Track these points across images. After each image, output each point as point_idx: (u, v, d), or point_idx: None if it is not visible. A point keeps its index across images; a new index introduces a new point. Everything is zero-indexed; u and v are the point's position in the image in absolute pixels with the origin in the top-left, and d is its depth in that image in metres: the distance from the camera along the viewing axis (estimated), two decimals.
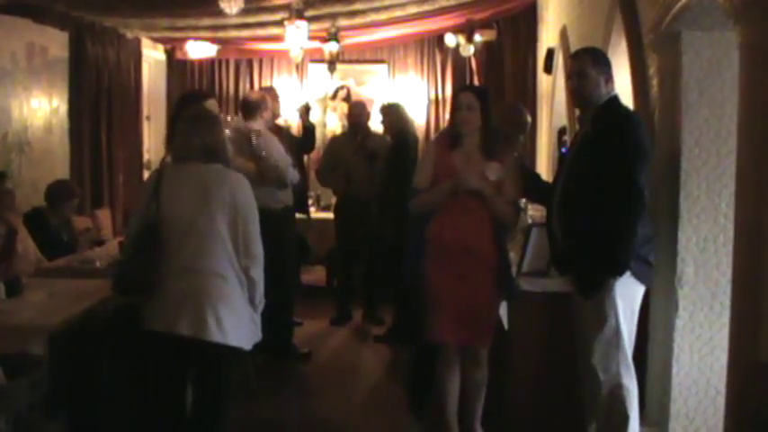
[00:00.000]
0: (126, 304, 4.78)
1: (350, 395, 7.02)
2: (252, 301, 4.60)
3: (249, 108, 7.36)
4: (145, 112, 11.76)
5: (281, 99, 8.48)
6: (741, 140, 4.32)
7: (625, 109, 4.95)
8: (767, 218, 3.99)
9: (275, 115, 8.14)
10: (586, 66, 4.94)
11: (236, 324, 4.51)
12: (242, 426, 5.50)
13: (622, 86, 5.31)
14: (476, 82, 11.78)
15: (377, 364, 7.92)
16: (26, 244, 6.59)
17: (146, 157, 11.68)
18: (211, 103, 5.41)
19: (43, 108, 9.13)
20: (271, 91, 8.40)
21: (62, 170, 9.31)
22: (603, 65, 4.93)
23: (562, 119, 8.91)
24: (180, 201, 4.46)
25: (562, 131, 9.09)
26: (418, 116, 11.95)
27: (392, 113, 8.50)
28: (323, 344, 8.45)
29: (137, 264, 4.42)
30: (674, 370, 5.18)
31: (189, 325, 4.40)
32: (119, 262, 4.83)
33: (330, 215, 9.71)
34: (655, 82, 5.48)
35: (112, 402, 4.80)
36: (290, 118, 11.36)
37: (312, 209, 10.30)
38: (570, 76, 5.07)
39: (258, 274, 4.58)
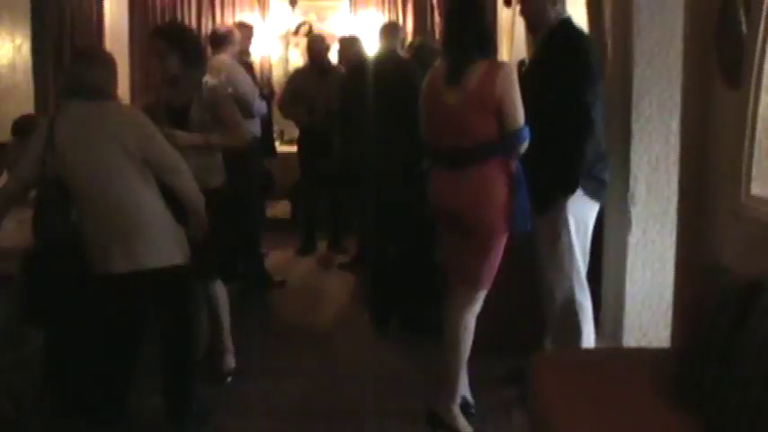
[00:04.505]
0: None
1: (318, 316, 7.35)
2: (191, 211, 4.76)
3: (216, 40, 7.49)
4: (107, 48, 11.70)
5: (252, 36, 8.61)
6: (687, 59, 4.50)
7: (575, 30, 4.98)
8: (710, 131, 4.18)
9: (244, 51, 8.24)
10: None
11: (163, 245, 4.67)
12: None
13: (577, 12, 5.41)
14: (436, 18, 11.80)
15: (342, 289, 8.20)
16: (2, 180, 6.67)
17: None
18: None
19: (6, 46, 9.12)
20: (245, 27, 8.52)
21: (27, 107, 9.27)
22: None
23: (522, 52, 9.00)
24: (76, 144, 4.52)
25: (521, 64, 9.18)
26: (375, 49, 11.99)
27: (350, 47, 8.59)
28: (290, 272, 8.65)
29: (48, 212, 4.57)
30: (628, 286, 5.29)
31: (122, 261, 4.57)
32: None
33: (293, 148, 9.85)
34: (608, 7, 5.58)
35: (85, 316, 4.93)
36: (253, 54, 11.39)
37: (276, 143, 10.40)
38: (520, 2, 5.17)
39: (183, 181, 4.70)
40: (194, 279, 5.06)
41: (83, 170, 4.52)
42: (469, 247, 4.71)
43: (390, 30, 7.36)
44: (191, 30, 6.21)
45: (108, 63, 4.78)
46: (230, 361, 5.69)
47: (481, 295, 4.77)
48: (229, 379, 5.61)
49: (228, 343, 5.69)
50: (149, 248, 4.62)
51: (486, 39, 4.73)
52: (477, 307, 4.78)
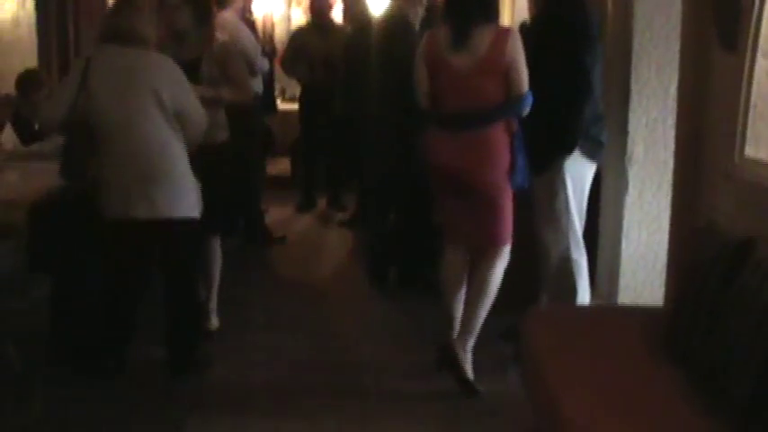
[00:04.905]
0: None
1: (317, 272, 7.45)
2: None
3: None
4: (110, 4, 11.67)
5: None
6: (685, 22, 4.55)
7: None
8: (706, 94, 4.24)
9: (246, 9, 8.24)
10: None
11: (183, 197, 4.78)
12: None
13: None
14: None
15: (341, 245, 8.32)
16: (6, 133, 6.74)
17: None
18: None
19: (10, 1, 9.15)
20: None
21: (30, 63, 9.22)
22: None
23: (524, 13, 9.00)
24: (110, 90, 4.61)
25: (523, 26, 9.18)
26: (382, 9, 11.94)
27: (354, 5, 8.60)
28: (290, 228, 8.72)
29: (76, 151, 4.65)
30: (624, 246, 5.38)
31: (142, 208, 4.67)
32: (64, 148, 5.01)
33: (295, 106, 9.88)
34: None
35: (91, 264, 5.02)
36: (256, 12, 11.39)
37: (278, 100, 10.43)
38: None
39: (197, 135, 4.87)
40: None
41: (115, 114, 4.60)
42: (479, 208, 4.82)
43: None
44: None
45: (148, 11, 4.85)
46: (215, 320, 5.72)
47: (506, 250, 4.91)
48: (214, 338, 5.61)
49: (215, 302, 5.72)
50: (171, 198, 4.73)
51: (489, 2, 4.79)
52: (504, 261, 4.91)
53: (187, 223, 4.82)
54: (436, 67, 4.78)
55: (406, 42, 6.19)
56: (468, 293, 4.96)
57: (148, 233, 4.78)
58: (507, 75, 4.60)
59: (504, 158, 4.69)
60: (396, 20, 6.76)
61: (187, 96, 4.76)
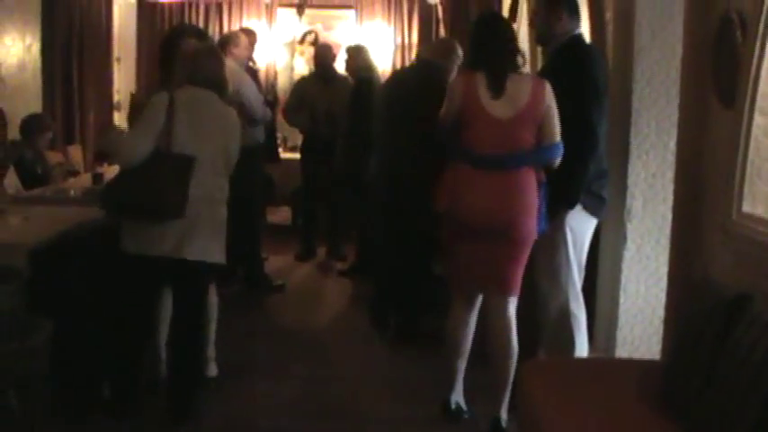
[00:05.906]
0: (103, 227, 5.07)
1: (316, 320, 7.49)
2: None
3: (220, 45, 7.53)
4: (115, 53, 11.76)
5: (256, 42, 8.70)
6: (684, 78, 4.60)
7: (585, 47, 5.12)
8: (705, 150, 4.28)
9: (248, 57, 8.31)
10: (540, 1, 5.18)
11: (222, 242, 4.94)
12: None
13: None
14: (441, 29, 11.88)
15: (340, 294, 8.36)
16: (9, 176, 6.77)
17: (116, 97, 11.73)
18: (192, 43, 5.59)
19: (17, 45, 9.21)
20: (249, 33, 8.59)
21: (35, 107, 9.34)
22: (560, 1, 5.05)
23: (525, 67, 9.07)
24: (194, 131, 4.73)
25: None
26: (385, 61, 12.10)
27: (357, 56, 8.68)
28: (288, 276, 8.74)
29: (140, 184, 4.68)
30: (622, 299, 5.37)
31: (197, 249, 4.76)
32: (113, 179, 5.07)
33: (296, 155, 9.97)
34: (611, 27, 5.68)
35: (90, 312, 5.04)
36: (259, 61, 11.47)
37: (279, 149, 10.49)
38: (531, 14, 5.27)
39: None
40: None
41: (189, 153, 4.70)
42: (509, 254, 4.82)
43: (432, 45, 7.32)
44: None
45: (224, 63, 5.13)
46: (213, 368, 5.69)
47: (515, 302, 4.93)
48: (212, 385, 5.56)
49: (212, 350, 5.68)
50: (220, 243, 4.91)
51: (517, 51, 4.89)
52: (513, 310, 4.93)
53: (217, 268, 5.00)
54: (472, 112, 4.77)
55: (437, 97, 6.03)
56: (494, 356, 4.94)
57: (190, 274, 4.86)
58: (542, 123, 4.69)
59: (535, 204, 4.76)
60: (428, 73, 6.62)
61: (237, 151, 4.99)
